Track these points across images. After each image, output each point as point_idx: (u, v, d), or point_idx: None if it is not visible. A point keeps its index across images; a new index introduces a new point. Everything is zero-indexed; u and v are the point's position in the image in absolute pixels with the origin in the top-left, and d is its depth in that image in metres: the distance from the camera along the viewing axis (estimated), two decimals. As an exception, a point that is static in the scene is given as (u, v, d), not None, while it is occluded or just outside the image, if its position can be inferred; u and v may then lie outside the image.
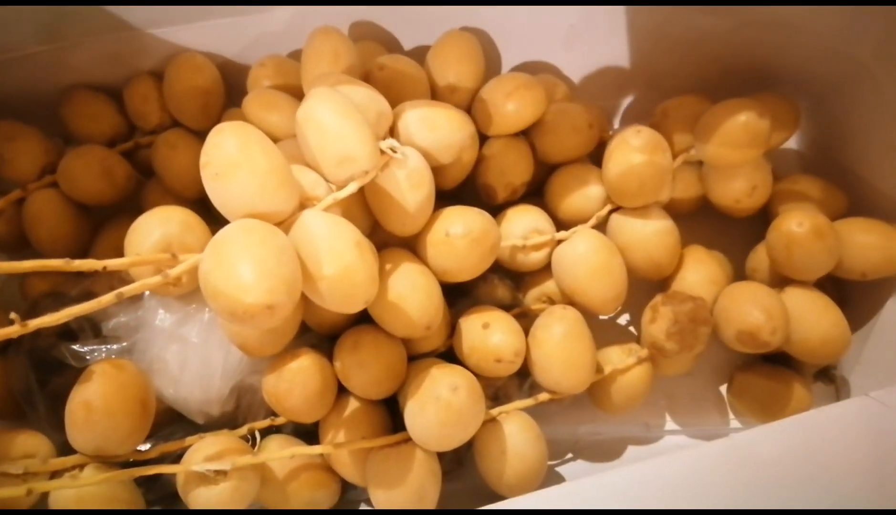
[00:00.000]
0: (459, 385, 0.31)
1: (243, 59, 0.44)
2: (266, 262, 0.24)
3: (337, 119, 0.29)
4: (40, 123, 0.42)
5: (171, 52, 0.42)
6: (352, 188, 0.29)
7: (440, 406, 0.31)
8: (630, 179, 0.37)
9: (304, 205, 0.29)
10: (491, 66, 0.43)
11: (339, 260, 0.26)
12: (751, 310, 0.36)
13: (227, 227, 0.25)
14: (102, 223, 0.43)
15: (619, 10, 0.41)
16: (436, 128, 0.34)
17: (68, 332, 0.36)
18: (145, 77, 0.42)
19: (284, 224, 0.28)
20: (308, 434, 0.36)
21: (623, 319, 0.45)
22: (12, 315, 0.26)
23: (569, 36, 0.43)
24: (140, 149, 0.43)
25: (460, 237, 0.33)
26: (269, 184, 0.26)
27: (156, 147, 0.42)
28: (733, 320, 0.36)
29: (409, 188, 0.32)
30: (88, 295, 0.39)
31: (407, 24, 0.43)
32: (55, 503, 0.30)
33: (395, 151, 0.31)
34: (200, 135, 0.43)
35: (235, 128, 0.27)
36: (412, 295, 0.33)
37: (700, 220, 0.43)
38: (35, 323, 0.25)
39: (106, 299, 0.26)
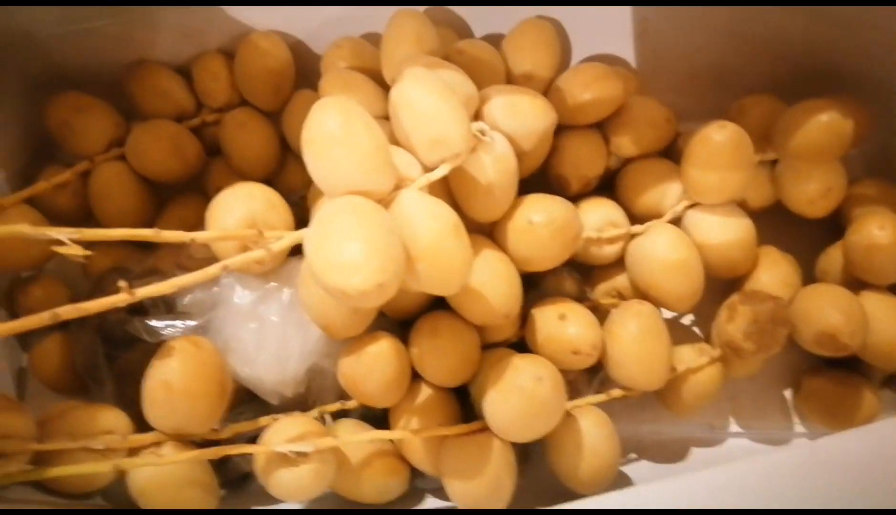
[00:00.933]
0: (544, 375, 0.30)
1: (311, 41, 0.43)
2: (376, 240, 0.23)
3: (432, 100, 0.28)
4: (102, 98, 0.42)
5: (241, 30, 0.42)
6: (443, 170, 0.29)
7: (524, 396, 0.30)
8: (712, 174, 0.36)
9: (397, 185, 0.28)
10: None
11: (438, 242, 0.26)
12: (831, 312, 0.35)
13: (332, 204, 0.25)
14: (166, 200, 0.43)
15: (696, 7, 0.40)
16: (519, 114, 0.33)
17: (138, 307, 0.36)
18: (216, 54, 0.42)
19: (382, 203, 0.27)
20: (375, 420, 0.36)
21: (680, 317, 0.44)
22: (121, 283, 0.25)
23: (642, 29, 0.42)
24: (206, 126, 0.43)
25: (544, 225, 0.33)
26: (372, 162, 0.26)
27: (224, 125, 0.41)
28: (812, 321, 0.35)
29: (495, 173, 0.31)
30: (153, 272, 0.39)
31: (479, 12, 0.42)
32: (134, 480, 0.29)
33: (483, 135, 0.31)
34: (269, 115, 0.42)
35: (339, 104, 0.26)
36: (493, 282, 0.32)
37: (763, 222, 0.42)
38: (143, 291, 0.25)
39: (212, 270, 0.26)
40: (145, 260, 0.39)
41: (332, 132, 0.25)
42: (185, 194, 0.43)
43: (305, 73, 0.43)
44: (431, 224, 0.26)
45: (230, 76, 0.41)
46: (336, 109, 0.26)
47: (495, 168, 0.31)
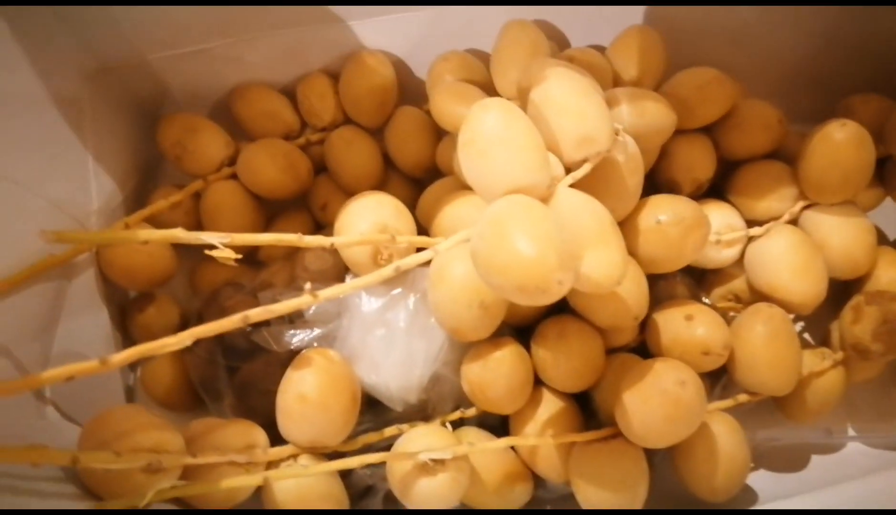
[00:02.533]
0: (687, 379, 0.28)
1: (409, 59, 0.42)
2: (552, 238, 0.21)
3: (581, 98, 0.27)
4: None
5: (343, 49, 0.40)
6: (586, 168, 0.27)
7: (668, 400, 0.27)
8: (834, 173, 0.33)
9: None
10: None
11: (600, 238, 0.24)
12: (964, 312, 0.32)
13: (500, 203, 0.23)
14: (273, 216, 0.41)
15: (795, 8, 0.38)
16: (646, 115, 0.31)
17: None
18: (321, 74, 0.40)
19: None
20: (492, 428, 0.34)
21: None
22: (307, 285, 0.24)
23: (741, 33, 0.40)
24: (310, 145, 0.41)
25: (672, 224, 0.30)
26: (533, 161, 0.24)
27: (331, 143, 0.40)
28: (943, 321, 0.32)
29: (627, 173, 0.29)
30: (267, 287, 0.37)
31: (575, 23, 0.40)
32: (275, 494, 0.28)
33: (617, 135, 0.29)
34: (373, 133, 0.41)
35: (500, 105, 0.24)
36: (623, 284, 0.30)
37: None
38: (325, 293, 0.23)
39: (386, 271, 0.24)
40: (257, 275, 0.38)
41: (494, 131, 0.23)
42: (289, 211, 0.42)
43: (402, 90, 0.41)
44: (593, 221, 0.24)
45: (336, 95, 0.40)
46: (498, 109, 0.24)
47: (627, 167, 0.29)
